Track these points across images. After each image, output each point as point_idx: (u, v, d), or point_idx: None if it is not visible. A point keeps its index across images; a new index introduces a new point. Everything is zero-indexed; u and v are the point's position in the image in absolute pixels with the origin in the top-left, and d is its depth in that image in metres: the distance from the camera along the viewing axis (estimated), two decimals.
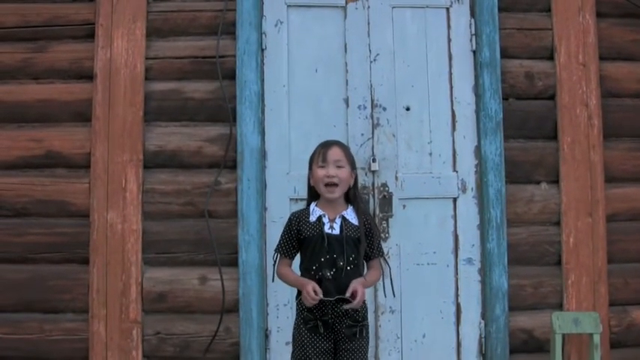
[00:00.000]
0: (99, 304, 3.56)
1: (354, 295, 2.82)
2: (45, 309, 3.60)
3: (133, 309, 3.57)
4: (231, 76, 3.68)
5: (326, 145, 2.97)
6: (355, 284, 2.82)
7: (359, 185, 3.25)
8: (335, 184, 2.91)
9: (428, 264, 3.72)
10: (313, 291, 2.80)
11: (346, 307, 2.79)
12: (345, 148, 3.01)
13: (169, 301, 3.60)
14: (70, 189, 3.63)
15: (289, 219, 3.00)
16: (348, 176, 2.96)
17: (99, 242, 3.58)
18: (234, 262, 3.59)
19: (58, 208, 3.62)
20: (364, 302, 2.93)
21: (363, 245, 2.92)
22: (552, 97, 3.77)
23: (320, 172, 2.93)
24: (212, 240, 3.57)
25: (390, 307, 3.71)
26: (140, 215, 3.61)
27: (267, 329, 3.66)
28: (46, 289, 3.59)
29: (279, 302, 3.64)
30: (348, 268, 2.88)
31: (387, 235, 3.70)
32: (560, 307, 3.66)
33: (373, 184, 3.72)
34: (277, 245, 3.02)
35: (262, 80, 3.73)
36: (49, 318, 3.58)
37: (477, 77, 3.78)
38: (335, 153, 2.94)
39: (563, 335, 3.52)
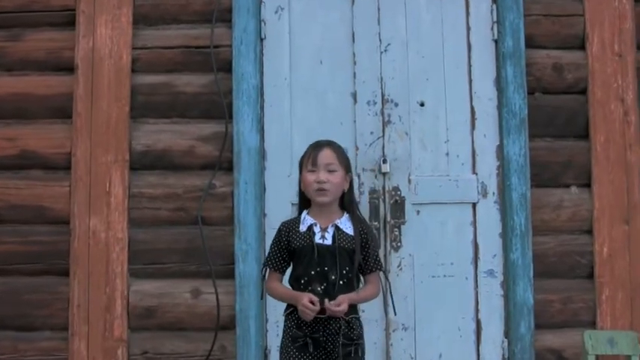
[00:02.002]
0: (80, 320, 3.51)
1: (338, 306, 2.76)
2: (19, 326, 3.55)
3: (117, 326, 3.50)
4: (226, 68, 3.62)
5: (316, 147, 2.89)
6: (341, 297, 2.75)
7: (355, 190, 3.11)
8: (326, 190, 2.83)
9: (444, 276, 3.62)
10: (310, 302, 2.73)
11: (327, 313, 2.74)
12: (337, 150, 2.91)
13: (158, 317, 3.53)
14: (48, 193, 3.57)
15: (279, 229, 2.92)
16: (342, 180, 2.88)
17: (80, 252, 3.52)
18: (230, 274, 3.52)
19: (34, 214, 3.57)
20: (358, 320, 2.86)
21: (358, 257, 2.83)
22: (583, 92, 3.68)
23: (310, 177, 2.85)
24: (205, 249, 3.50)
25: (403, 324, 3.59)
26: (126, 222, 3.55)
27: (266, 348, 3.59)
28: (21, 303, 3.54)
29: (279, 317, 3.23)
30: (341, 282, 2.80)
31: (398, 244, 3.61)
32: (592, 325, 3.56)
33: (384, 187, 3.64)
34: (266, 258, 2.96)
35: (261, 73, 3.67)
36: (23, 336, 3.54)
37: (498, 69, 3.68)
38: (326, 156, 2.86)
39: (597, 357, 3.39)
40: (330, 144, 2.92)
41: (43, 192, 3.56)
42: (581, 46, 3.69)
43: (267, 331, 3.57)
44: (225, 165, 3.58)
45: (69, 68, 3.61)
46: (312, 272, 2.80)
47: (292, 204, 3.48)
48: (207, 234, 3.52)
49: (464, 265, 3.64)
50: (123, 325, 3.50)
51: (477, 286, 3.63)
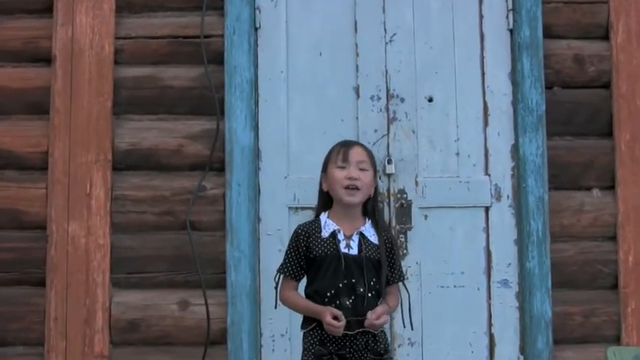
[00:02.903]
0: (57, 334, 3.44)
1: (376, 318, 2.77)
2: None
3: (98, 340, 3.44)
4: (218, 60, 3.57)
5: (347, 145, 2.91)
6: (380, 309, 2.78)
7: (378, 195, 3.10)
8: (357, 188, 2.82)
9: (454, 286, 3.57)
10: (333, 317, 2.72)
11: (366, 323, 2.75)
12: (368, 150, 2.96)
13: (143, 331, 3.47)
14: (23, 195, 3.51)
15: (296, 233, 2.89)
16: (371, 183, 2.89)
17: (57, 260, 3.46)
18: (221, 284, 3.47)
19: (7, 219, 3.51)
20: (384, 332, 2.87)
21: (385, 268, 2.84)
22: (607, 86, 3.63)
23: (339, 174, 2.83)
24: (195, 257, 3.44)
25: (409, 339, 3.52)
26: (108, 227, 3.49)
27: None
28: None
29: (275, 332, 3.48)
30: (369, 295, 2.80)
31: (404, 251, 3.54)
32: (617, 340, 3.50)
33: (389, 189, 3.59)
34: (282, 264, 2.91)
35: (256, 65, 3.62)
36: None
37: (514, 61, 3.63)
38: (358, 153, 2.88)
39: None
40: (359, 143, 2.98)
41: (18, 194, 3.52)
42: (605, 36, 3.64)
43: (261, 346, 3.51)
44: (216, 165, 3.53)
45: (46, 60, 3.55)
46: (340, 285, 2.79)
47: (289, 208, 3.54)
48: (196, 240, 3.48)
49: (475, 274, 3.59)
50: (104, 340, 3.44)
51: (489, 297, 3.59)
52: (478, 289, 3.56)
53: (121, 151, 3.52)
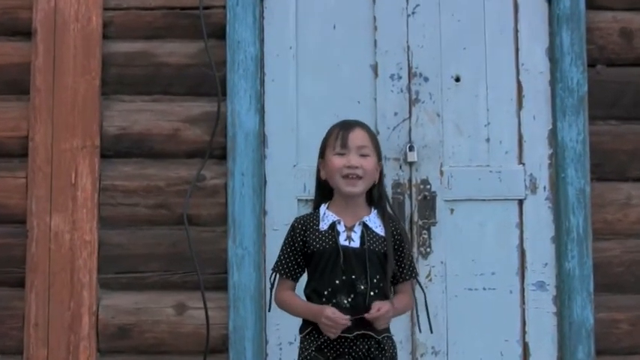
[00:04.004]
0: (38, 341, 3.37)
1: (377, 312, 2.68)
2: None
3: (84, 348, 3.36)
4: (219, 34, 3.48)
5: (346, 127, 2.79)
6: (380, 303, 2.66)
7: (385, 182, 3.03)
8: (358, 177, 2.73)
9: (484, 289, 3.48)
10: (336, 317, 2.63)
11: (367, 316, 2.64)
12: (370, 132, 2.85)
13: (135, 338, 3.40)
14: (0, 185, 3.44)
15: (292, 227, 2.82)
16: (374, 168, 2.79)
17: (39, 258, 3.38)
18: (222, 285, 3.41)
19: None
20: (391, 339, 2.76)
21: (391, 263, 2.74)
22: None
23: (338, 162, 2.72)
24: (193, 255, 3.36)
25: (433, 347, 3.46)
26: (96, 221, 3.41)
27: None
28: None
29: (283, 339, 3.40)
30: (372, 293, 2.69)
31: (428, 249, 3.46)
32: None
33: (410, 180, 3.51)
34: (276, 263, 2.83)
35: (261, 40, 3.54)
36: None
37: (552, 36, 3.52)
38: (358, 137, 2.76)
39: None
40: (360, 124, 2.84)
41: None
42: None
43: (266, 355, 3.46)
44: (216, 152, 3.46)
45: (26, 33, 3.47)
46: (337, 282, 2.70)
47: (298, 200, 3.48)
48: (194, 236, 3.40)
49: (508, 275, 3.51)
50: (91, 348, 3.37)
51: (523, 301, 3.51)
52: (510, 292, 3.49)
53: (110, 136, 3.46)
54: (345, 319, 2.61)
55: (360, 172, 2.73)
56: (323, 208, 2.79)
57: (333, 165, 2.73)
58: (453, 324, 3.44)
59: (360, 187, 2.75)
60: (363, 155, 2.75)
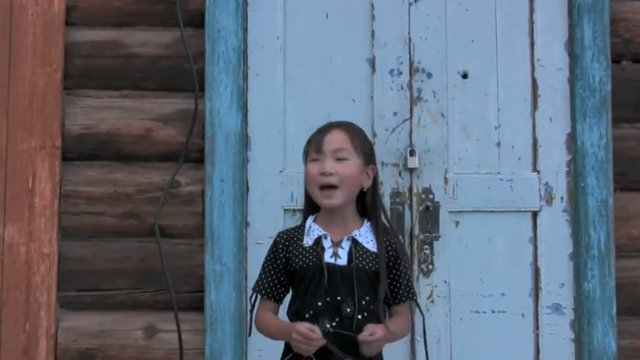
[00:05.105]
0: None
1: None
2: None
3: None
4: (197, 22, 3.36)
5: (323, 129, 2.70)
6: (374, 326, 2.57)
7: (382, 190, 3.07)
8: (334, 186, 2.63)
9: (493, 312, 3.35)
10: (308, 331, 2.54)
11: (360, 338, 2.56)
12: (352, 131, 2.71)
13: None
14: None
15: (274, 242, 2.74)
16: (357, 173, 2.66)
17: None
18: (198, 305, 3.28)
19: None
20: None
21: (384, 283, 2.62)
22: None
23: (312, 169, 2.64)
24: (165, 271, 3.22)
25: None
26: (55, 232, 3.27)
27: None
28: None
29: None
30: (360, 317, 2.59)
31: (430, 266, 3.34)
32: None
33: (410, 188, 3.39)
34: (256, 281, 2.75)
35: (245, 29, 3.41)
36: None
37: (572, 28, 3.40)
38: (335, 139, 2.64)
39: None
40: (342, 124, 2.72)
41: None
42: None
43: None
44: (193, 155, 3.34)
45: None
46: (320, 303, 2.61)
47: (285, 210, 3.37)
48: (167, 250, 3.26)
49: (519, 297, 3.38)
50: None
51: (537, 326, 3.38)
52: (523, 315, 3.36)
53: (72, 136, 3.32)
54: (318, 335, 2.51)
55: (335, 179, 2.61)
56: (309, 220, 2.70)
57: (308, 173, 2.65)
58: (457, 351, 3.32)
59: (338, 199, 2.64)
60: (339, 159, 2.63)
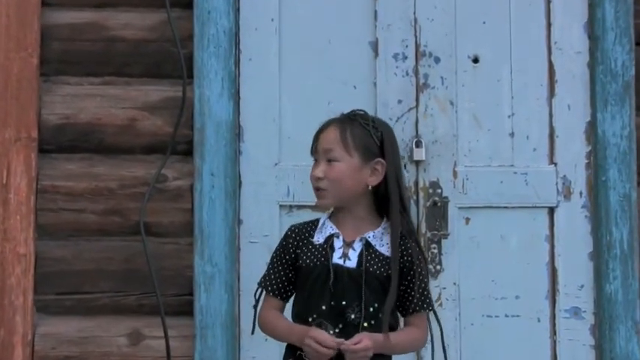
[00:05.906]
0: None
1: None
2: None
3: None
4: (185, 2, 3.26)
5: (321, 127, 2.68)
6: (361, 335, 2.51)
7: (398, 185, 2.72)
8: (322, 190, 2.63)
9: (506, 316, 3.26)
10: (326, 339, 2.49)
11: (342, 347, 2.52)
12: (346, 127, 2.64)
13: None
14: None
15: (285, 235, 2.70)
16: (350, 173, 2.60)
17: None
18: (187, 310, 3.17)
19: None
20: None
21: (394, 289, 2.53)
22: None
23: (311, 171, 2.67)
24: (151, 272, 3.11)
25: None
26: (32, 231, 3.17)
27: None
28: None
29: None
30: (365, 324, 2.53)
31: (438, 266, 3.27)
32: None
33: (417, 182, 3.30)
34: (263, 276, 2.69)
35: (237, 10, 3.31)
36: None
37: (592, 8, 3.30)
38: (326, 138, 2.62)
39: None
40: (336, 120, 2.67)
41: None
42: None
43: None
44: (181, 147, 3.23)
45: None
46: (324, 307, 2.55)
47: (281, 206, 3.30)
48: (153, 249, 3.15)
49: (535, 299, 3.27)
50: None
51: (554, 331, 3.27)
52: (539, 320, 3.26)
53: (50, 127, 3.22)
54: (333, 343, 2.44)
55: (324, 184, 2.58)
56: (324, 217, 2.66)
57: (310, 174, 2.65)
58: (467, 357, 3.21)
59: (329, 200, 2.62)
60: (330, 160, 2.60)
